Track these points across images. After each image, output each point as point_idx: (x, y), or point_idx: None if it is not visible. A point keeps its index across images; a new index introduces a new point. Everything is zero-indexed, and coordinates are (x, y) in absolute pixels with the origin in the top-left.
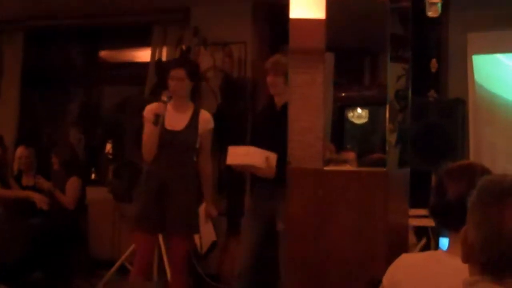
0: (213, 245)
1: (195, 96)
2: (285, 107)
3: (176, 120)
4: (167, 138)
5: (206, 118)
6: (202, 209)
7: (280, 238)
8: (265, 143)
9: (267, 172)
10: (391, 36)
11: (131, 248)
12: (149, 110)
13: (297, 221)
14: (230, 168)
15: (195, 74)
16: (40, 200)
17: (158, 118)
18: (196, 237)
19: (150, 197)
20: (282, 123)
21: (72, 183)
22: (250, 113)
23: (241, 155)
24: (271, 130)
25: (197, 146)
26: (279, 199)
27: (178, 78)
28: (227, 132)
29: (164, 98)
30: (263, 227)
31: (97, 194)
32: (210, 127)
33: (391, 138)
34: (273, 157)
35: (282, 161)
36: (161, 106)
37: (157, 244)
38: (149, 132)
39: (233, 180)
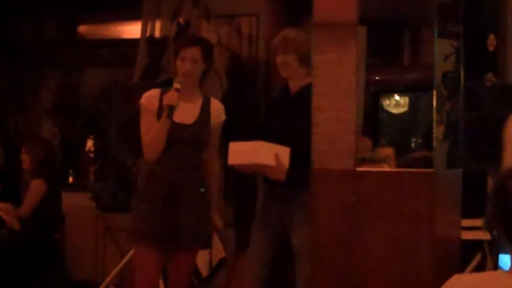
0: (221, 262)
1: (200, 82)
2: (301, 92)
3: (185, 111)
4: (176, 133)
5: (218, 109)
6: None
7: (296, 254)
8: (276, 136)
9: (277, 171)
10: (438, 6)
11: (118, 268)
12: (148, 97)
13: (324, 234)
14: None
15: (210, 55)
16: (9, 218)
17: (172, 111)
18: (200, 254)
19: (157, 204)
20: (297, 111)
21: (33, 187)
22: (264, 101)
23: (245, 153)
24: (283, 120)
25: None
26: (294, 206)
27: (192, 59)
28: (236, 126)
29: (177, 85)
30: (275, 239)
31: (76, 201)
32: (222, 119)
33: (438, 131)
34: (284, 152)
35: (297, 158)
36: (175, 96)
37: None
38: (158, 127)
39: (242, 184)
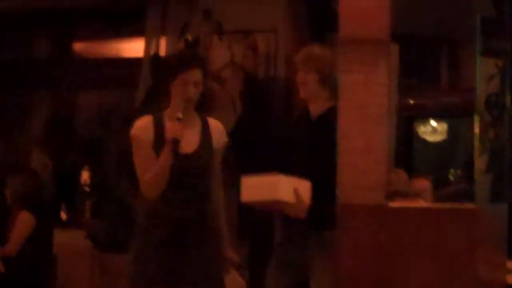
0: None
1: (204, 105)
2: (324, 117)
3: (185, 138)
4: (179, 164)
5: (218, 129)
6: None
7: None
8: (296, 167)
9: (297, 208)
10: (480, 20)
11: None
12: (141, 128)
13: (351, 279)
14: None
15: (206, 74)
16: None
17: (178, 144)
18: None
19: (163, 247)
20: (319, 138)
21: (20, 221)
22: (282, 127)
23: (260, 188)
24: (304, 148)
25: None
26: (316, 247)
27: (196, 83)
28: (250, 154)
29: (179, 115)
30: (293, 284)
31: (69, 240)
32: (225, 140)
33: (481, 161)
34: (304, 187)
35: (319, 192)
36: (179, 127)
37: None
38: (160, 162)
39: (257, 220)
